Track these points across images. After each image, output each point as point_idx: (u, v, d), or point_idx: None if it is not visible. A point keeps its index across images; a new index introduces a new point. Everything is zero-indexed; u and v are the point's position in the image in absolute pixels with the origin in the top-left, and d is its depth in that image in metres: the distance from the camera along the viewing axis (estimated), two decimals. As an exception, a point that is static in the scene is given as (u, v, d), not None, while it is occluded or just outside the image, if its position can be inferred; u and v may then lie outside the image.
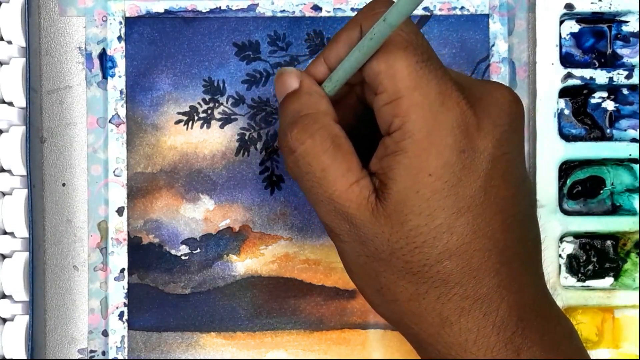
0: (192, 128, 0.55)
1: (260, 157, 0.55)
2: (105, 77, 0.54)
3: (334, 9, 0.54)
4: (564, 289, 0.53)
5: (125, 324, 0.54)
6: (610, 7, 0.53)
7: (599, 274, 0.53)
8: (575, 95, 0.54)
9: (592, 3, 0.53)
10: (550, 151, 0.53)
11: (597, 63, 0.54)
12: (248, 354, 0.54)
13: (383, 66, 0.40)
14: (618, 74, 0.53)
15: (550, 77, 0.53)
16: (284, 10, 0.54)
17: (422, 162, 0.39)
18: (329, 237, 0.44)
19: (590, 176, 0.54)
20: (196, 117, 0.55)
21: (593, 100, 0.54)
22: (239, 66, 0.55)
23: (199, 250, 0.54)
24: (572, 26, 0.54)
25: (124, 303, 0.54)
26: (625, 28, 0.54)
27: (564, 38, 0.54)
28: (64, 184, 0.55)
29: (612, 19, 0.54)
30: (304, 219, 0.55)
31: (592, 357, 0.44)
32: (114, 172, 0.54)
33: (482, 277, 0.40)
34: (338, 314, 0.54)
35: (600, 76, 0.53)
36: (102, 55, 0.54)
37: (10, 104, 0.52)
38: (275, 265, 0.54)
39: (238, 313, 0.54)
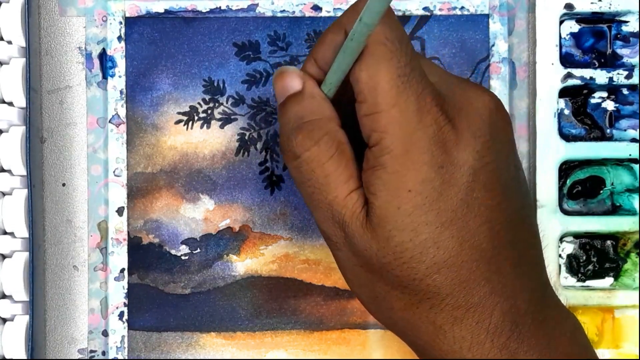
0: (192, 128, 0.55)
1: (260, 157, 0.55)
2: (105, 77, 0.54)
3: (334, 8, 0.54)
4: (564, 289, 0.53)
5: (125, 324, 0.54)
6: (610, 7, 0.53)
7: (599, 274, 0.53)
8: (575, 95, 0.54)
9: (592, 3, 0.53)
10: (550, 151, 0.53)
11: (597, 63, 0.54)
12: (248, 354, 0.54)
13: (365, 75, 0.40)
14: (618, 74, 0.53)
15: (550, 77, 0.53)
16: (284, 10, 0.54)
17: (401, 178, 0.39)
18: (325, 242, 0.44)
19: (590, 176, 0.54)
20: (196, 117, 0.55)
21: (593, 100, 0.54)
22: (239, 66, 0.55)
23: (199, 250, 0.54)
24: (572, 26, 0.54)
25: (124, 303, 0.54)
26: (625, 28, 0.54)
27: (564, 38, 0.54)
28: (64, 184, 0.55)
29: (612, 19, 0.54)
30: (304, 219, 0.55)
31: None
32: (114, 172, 0.54)
33: (473, 286, 0.40)
34: (338, 314, 0.54)
35: (600, 76, 0.53)
36: (102, 55, 0.55)
37: (10, 104, 0.52)
38: (275, 265, 0.54)
39: (238, 313, 0.54)
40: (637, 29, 0.53)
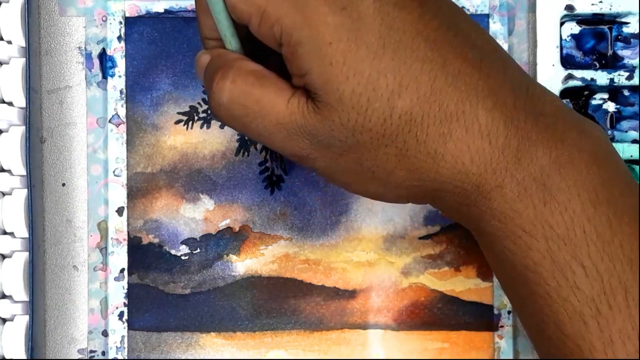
0: (192, 128, 0.55)
1: (260, 157, 0.55)
2: (105, 77, 0.54)
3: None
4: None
5: (125, 324, 0.54)
6: (610, 9, 0.53)
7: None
8: (576, 97, 0.54)
9: (592, 4, 0.53)
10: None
11: (597, 64, 0.54)
12: (248, 354, 0.54)
13: None
14: (619, 75, 0.53)
15: (551, 78, 0.53)
16: (284, 10, 0.54)
17: (316, 39, 0.39)
18: (302, 165, 0.44)
19: (591, 178, 0.54)
20: (196, 117, 0.55)
21: (594, 102, 0.54)
22: (239, 66, 0.55)
23: (199, 250, 0.54)
24: (573, 27, 0.54)
25: (124, 303, 0.54)
26: (625, 29, 0.54)
27: (565, 39, 0.54)
28: (64, 184, 0.55)
29: (613, 20, 0.54)
30: (304, 219, 0.55)
31: None
32: (113, 172, 0.54)
33: (442, 96, 0.39)
34: (338, 314, 0.54)
35: (601, 77, 0.53)
36: (102, 55, 0.54)
37: (10, 104, 0.52)
38: (275, 265, 0.55)
39: (238, 313, 0.54)
40: (638, 30, 0.53)
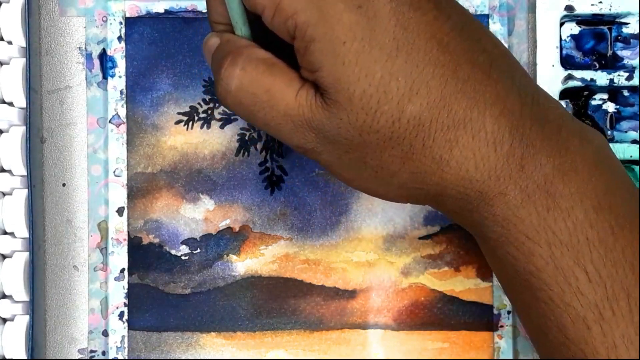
0: (192, 128, 0.55)
1: (260, 157, 0.55)
2: (105, 77, 0.54)
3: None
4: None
5: (125, 324, 0.54)
6: (610, 9, 0.53)
7: (599, 276, 0.53)
8: (576, 97, 0.54)
9: (592, 5, 0.53)
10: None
11: (597, 65, 0.54)
12: (248, 354, 0.54)
13: None
14: (619, 75, 0.53)
15: (551, 78, 0.53)
16: (284, 11, 0.54)
17: (330, 37, 0.39)
18: (307, 157, 0.43)
19: (591, 178, 0.54)
20: (196, 117, 0.55)
21: (594, 102, 0.54)
22: (239, 66, 0.55)
23: (199, 250, 0.55)
24: (573, 28, 0.54)
25: (124, 303, 0.54)
26: (625, 30, 0.54)
27: (565, 40, 0.54)
28: (64, 184, 0.55)
29: (613, 20, 0.54)
30: (304, 219, 0.55)
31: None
32: (114, 172, 0.54)
33: (451, 103, 0.39)
34: (338, 314, 0.54)
35: (601, 78, 0.53)
36: (102, 56, 0.54)
37: (11, 104, 0.52)
38: (275, 265, 0.55)
39: (238, 313, 0.54)
40: (638, 31, 0.53)
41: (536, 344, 0.44)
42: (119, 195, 0.54)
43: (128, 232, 0.54)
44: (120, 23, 0.54)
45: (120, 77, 0.54)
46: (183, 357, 0.54)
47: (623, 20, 0.54)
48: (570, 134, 0.41)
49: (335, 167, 0.43)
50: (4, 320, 0.52)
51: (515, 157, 0.40)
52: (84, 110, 0.55)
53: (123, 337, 0.54)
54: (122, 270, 0.54)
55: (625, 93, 0.54)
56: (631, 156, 0.53)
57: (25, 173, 0.52)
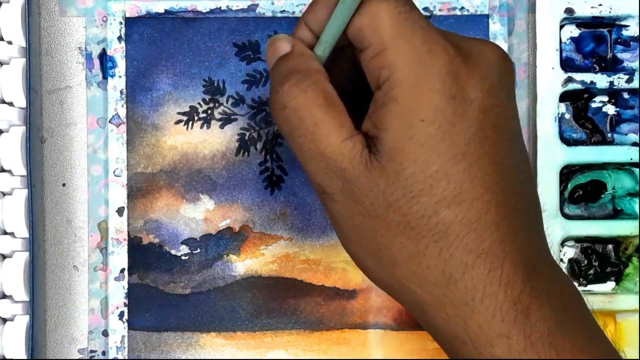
0: (192, 128, 0.55)
1: (260, 157, 0.55)
2: (105, 77, 0.54)
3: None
4: (562, 291, 0.53)
5: (125, 324, 0.54)
6: (610, 12, 0.53)
7: (600, 278, 0.54)
8: (576, 100, 0.54)
9: (592, 7, 0.53)
10: (551, 155, 0.53)
11: (597, 67, 0.54)
12: (248, 354, 0.54)
13: (366, 20, 0.39)
14: (619, 78, 0.53)
15: (551, 81, 0.53)
16: (284, 11, 0.54)
17: (413, 108, 0.38)
18: (320, 200, 0.42)
19: (591, 180, 0.54)
20: (196, 117, 0.55)
21: (594, 105, 0.54)
22: (239, 66, 0.55)
23: (199, 250, 0.55)
24: (572, 30, 0.54)
25: (124, 303, 0.54)
26: (625, 32, 0.54)
27: (564, 42, 0.54)
28: (64, 184, 0.55)
29: (612, 23, 0.54)
30: (304, 219, 0.55)
31: None
32: (114, 172, 0.54)
33: (483, 229, 0.38)
34: (338, 314, 0.54)
35: (601, 80, 0.53)
36: (102, 56, 0.54)
37: (11, 104, 0.52)
38: (275, 265, 0.55)
39: (238, 313, 0.54)
40: (637, 33, 0.54)
41: None
42: (119, 195, 0.54)
43: (128, 232, 0.54)
44: (120, 23, 0.54)
45: (120, 77, 0.54)
46: (183, 357, 0.54)
47: (623, 22, 0.54)
48: (570, 297, 0.41)
49: (340, 221, 0.41)
50: (4, 320, 0.52)
51: (523, 304, 0.39)
52: (84, 110, 0.55)
53: (123, 337, 0.54)
54: (122, 270, 0.54)
55: (625, 95, 0.54)
56: (631, 159, 0.53)
57: (25, 173, 0.52)
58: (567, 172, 0.54)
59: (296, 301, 0.55)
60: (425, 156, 0.38)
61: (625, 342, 0.53)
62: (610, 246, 0.54)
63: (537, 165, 0.53)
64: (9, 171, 0.52)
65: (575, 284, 0.53)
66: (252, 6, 0.54)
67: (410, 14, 0.39)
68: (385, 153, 0.39)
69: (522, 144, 0.42)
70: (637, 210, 0.54)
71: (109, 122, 0.54)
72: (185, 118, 0.55)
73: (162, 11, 0.54)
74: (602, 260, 0.54)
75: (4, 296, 0.52)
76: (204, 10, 0.54)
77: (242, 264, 0.55)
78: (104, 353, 0.54)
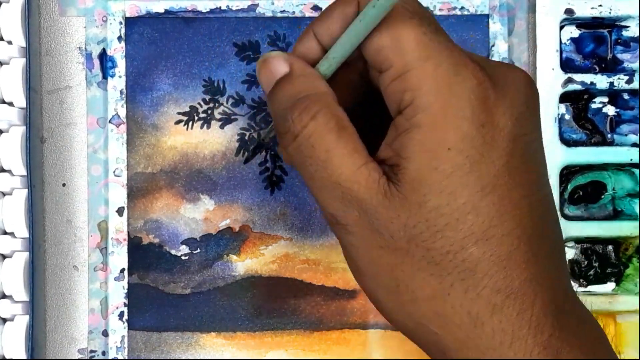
0: (192, 128, 0.55)
1: (260, 157, 0.55)
2: (105, 77, 0.54)
3: (335, 10, 0.54)
4: (563, 292, 0.53)
5: (125, 324, 0.54)
6: (610, 12, 0.53)
7: (600, 279, 0.54)
8: (576, 100, 0.54)
9: (592, 8, 0.53)
10: (551, 156, 0.52)
11: (597, 68, 0.54)
12: (248, 354, 0.54)
13: (387, 40, 0.37)
14: (619, 78, 0.53)
15: (551, 82, 0.53)
16: (284, 11, 0.54)
17: (439, 135, 0.36)
18: (333, 231, 0.39)
19: (591, 181, 0.54)
20: (196, 117, 0.55)
21: (594, 105, 0.54)
22: (239, 66, 0.55)
23: (199, 250, 0.55)
24: (572, 31, 0.54)
25: (124, 303, 0.54)
26: (625, 33, 0.54)
27: (564, 43, 0.54)
28: (64, 184, 0.55)
29: (612, 24, 0.54)
30: (304, 219, 0.55)
31: None
32: (114, 172, 0.54)
33: (513, 267, 0.36)
34: (338, 314, 0.54)
35: (601, 81, 0.53)
36: (102, 56, 0.54)
37: (11, 104, 0.52)
38: (275, 265, 0.55)
39: (238, 313, 0.54)
40: (638, 34, 0.54)
41: None
42: (119, 195, 0.54)
43: (128, 232, 0.54)
44: (120, 23, 0.54)
45: (120, 77, 0.54)
46: (183, 357, 0.54)
47: (623, 23, 0.54)
48: (596, 337, 0.38)
49: (354, 253, 0.38)
50: (4, 320, 0.52)
51: (553, 349, 0.36)
52: (84, 110, 0.55)
53: (123, 337, 0.54)
54: (122, 270, 0.54)
55: (626, 96, 0.54)
56: (631, 159, 0.53)
57: (25, 173, 0.51)
58: (567, 173, 0.54)
59: (296, 301, 0.55)
60: (452, 188, 0.36)
61: (626, 343, 0.53)
62: (610, 247, 0.54)
63: (537, 166, 0.53)
64: (9, 171, 0.52)
65: (575, 284, 0.54)
66: (252, 6, 0.54)
67: (436, 34, 0.37)
68: (406, 183, 0.36)
69: (547, 175, 0.39)
70: (637, 211, 0.54)
71: (109, 122, 0.54)
72: (185, 118, 0.55)
73: (162, 11, 0.54)
74: (602, 261, 0.54)
75: (4, 296, 0.52)
76: (204, 10, 0.54)
77: (242, 264, 0.55)
78: (104, 353, 0.54)
